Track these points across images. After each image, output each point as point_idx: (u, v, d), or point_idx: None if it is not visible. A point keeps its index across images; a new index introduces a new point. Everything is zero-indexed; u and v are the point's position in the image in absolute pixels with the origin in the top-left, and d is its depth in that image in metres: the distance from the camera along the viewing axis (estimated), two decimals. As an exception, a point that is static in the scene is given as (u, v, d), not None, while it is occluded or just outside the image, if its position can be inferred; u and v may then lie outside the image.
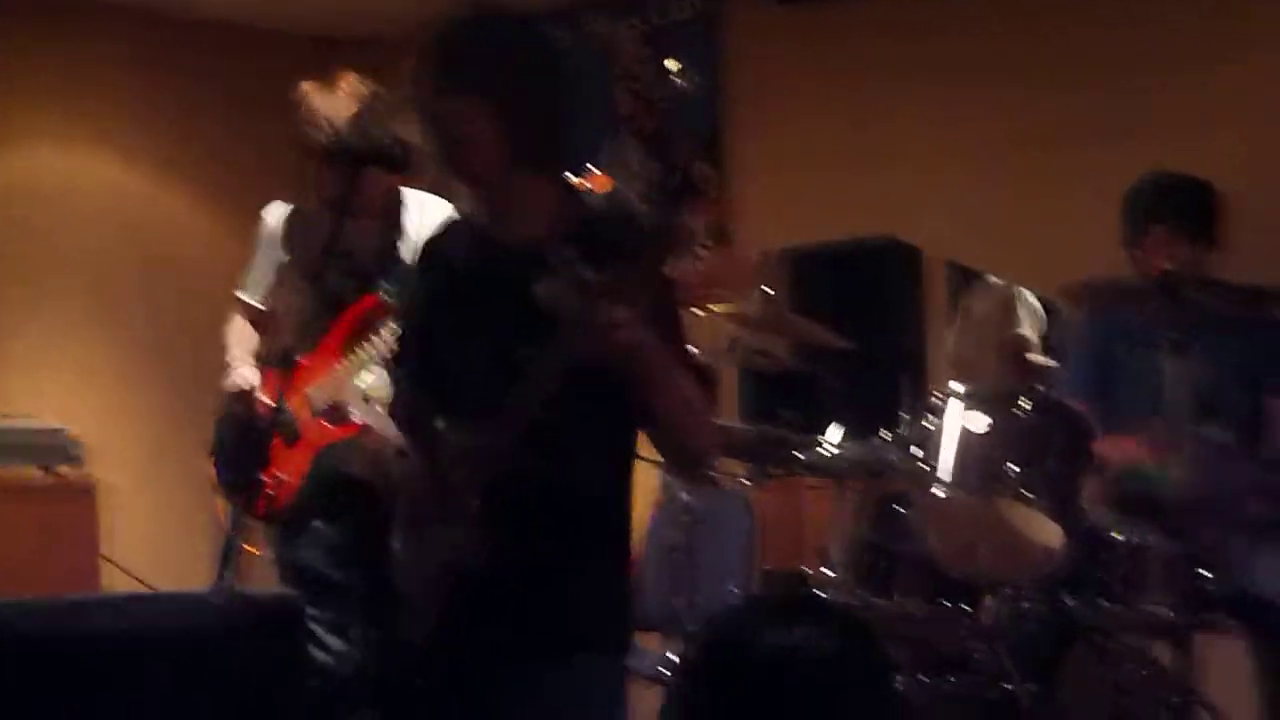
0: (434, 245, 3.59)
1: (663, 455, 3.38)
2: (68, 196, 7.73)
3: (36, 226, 7.63)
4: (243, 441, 4.87)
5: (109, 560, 6.81)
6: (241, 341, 5.06)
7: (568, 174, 3.57)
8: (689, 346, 3.35)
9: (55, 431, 6.89)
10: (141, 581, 6.53)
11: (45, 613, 4.63)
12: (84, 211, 7.69)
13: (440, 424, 3.37)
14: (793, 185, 7.27)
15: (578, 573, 3.26)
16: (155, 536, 6.09)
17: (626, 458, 3.37)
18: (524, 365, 3.09)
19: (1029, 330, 6.34)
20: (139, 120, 7.86)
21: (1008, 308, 6.23)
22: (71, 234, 7.64)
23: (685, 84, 7.37)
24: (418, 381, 3.53)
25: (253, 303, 5.10)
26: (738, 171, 7.48)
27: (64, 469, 6.83)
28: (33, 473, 6.81)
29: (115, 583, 6.79)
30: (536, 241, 3.19)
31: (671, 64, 7.39)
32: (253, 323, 5.14)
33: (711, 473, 5.35)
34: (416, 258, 3.62)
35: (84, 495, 6.85)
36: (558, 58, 3.37)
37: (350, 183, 3.45)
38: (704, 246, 7.49)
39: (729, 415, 6.98)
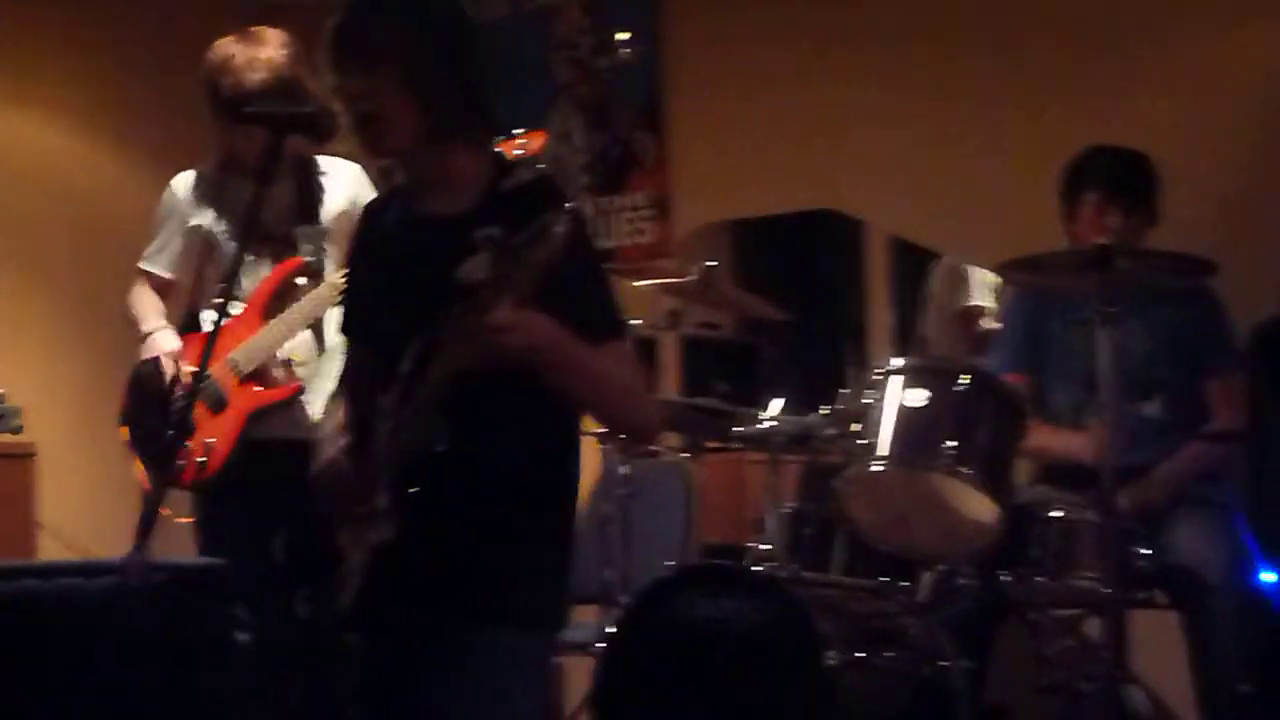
0: (370, 211, 3.65)
1: (605, 430, 3.41)
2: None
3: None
4: (163, 409, 4.84)
5: (44, 526, 6.79)
6: (152, 309, 5.02)
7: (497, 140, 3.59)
8: (620, 317, 3.35)
9: (-9, 398, 6.87)
10: (74, 548, 6.52)
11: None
12: (9, 172, 7.64)
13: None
14: (734, 155, 7.25)
15: (496, 547, 3.27)
16: (90, 501, 6.06)
17: (556, 434, 3.36)
18: (424, 361, 3.13)
19: (981, 300, 6.39)
20: (66, 78, 7.79)
21: (958, 278, 6.23)
22: (8, 195, 7.62)
23: (629, 54, 7.43)
24: (360, 345, 3.56)
25: (159, 272, 5.06)
26: (678, 141, 7.43)
27: (2, 437, 6.80)
28: (-14, 444, 6.79)
29: (50, 549, 6.78)
30: (458, 217, 3.21)
31: (620, 35, 7.45)
32: (158, 291, 5.09)
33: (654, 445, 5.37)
34: (353, 222, 3.66)
35: (22, 460, 6.82)
36: (466, 24, 3.39)
37: (274, 149, 3.41)
38: (645, 218, 7.55)
39: (669, 387, 7.00)
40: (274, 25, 4.83)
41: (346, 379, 3.63)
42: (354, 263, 3.59)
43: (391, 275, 3.38)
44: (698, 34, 7.43)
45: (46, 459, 6.70)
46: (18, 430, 6.75)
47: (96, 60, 7.78)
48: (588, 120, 7.60)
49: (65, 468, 6.54)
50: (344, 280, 3.66)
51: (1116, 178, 5.15)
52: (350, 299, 3.58)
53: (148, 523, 3.11)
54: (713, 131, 7.39)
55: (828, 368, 5.01)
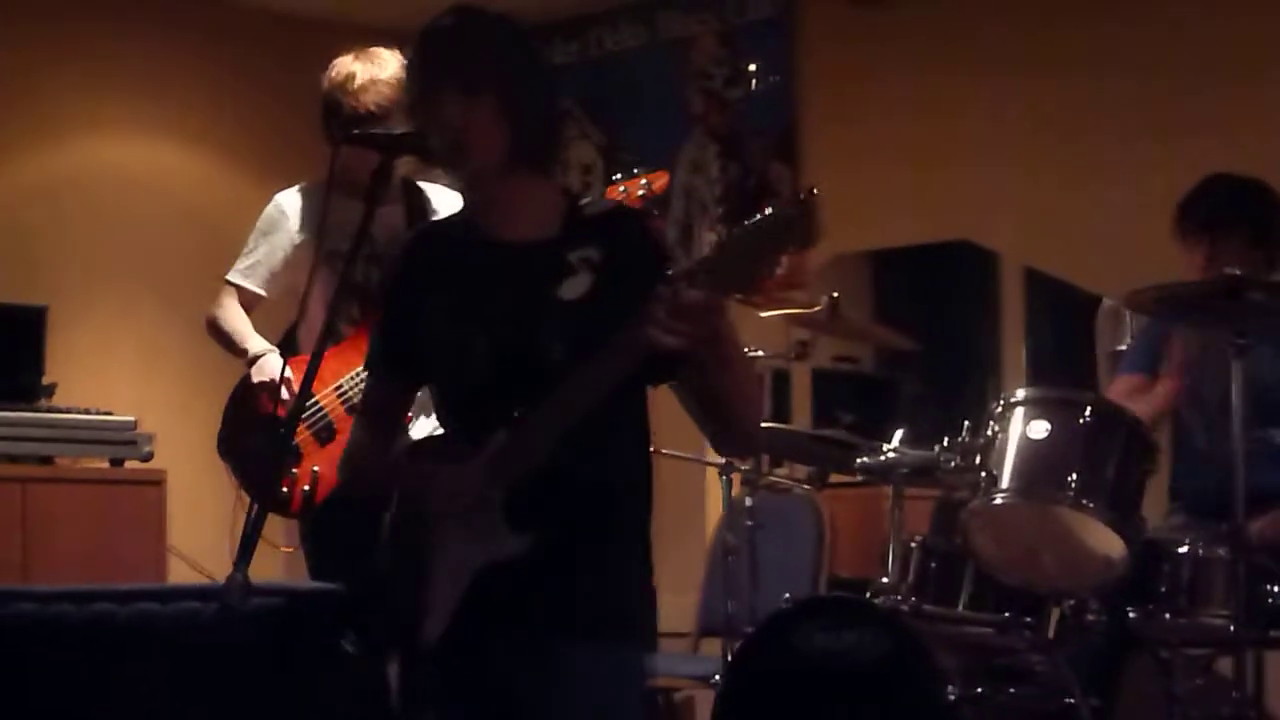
0: (417, 244, 3.63)
1: (715, 436, 3.39)
2: (124, 185, 7.76)
3: (94, 216, 7.67)
4: (270, 437, 4.85)
5: (173, 551, 6.86)
6: (250, 328, 5.03)
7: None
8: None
9: (125, 425, 6.93)
10: (203, 571, 6.59)
11: (60, 599, 4.68)
12: (141, 199, 7.73)
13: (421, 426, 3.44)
14: (868, 186, 7.24)
15: (605, 565, 3.28)
16: (218, 526, 6.09)
17: (643, 456, 3.37)
18: (563, 363, 3.11)
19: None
20: (196, 108, 7.89)
21: (1117, 320, 6.16)
22: (130, 222, 7.68)
23: (761, 84, 7.45)
24: (394, 378, 3.55)
25: (251, 287, 5.05)
26: (812, 172, 7.44)
27: (132, 462, 6.88)
28: (96, 464, 6.86)
29: (180, 573, 6.86)
30: (548, 242, 3.26)
31: (751, 66, 7.49)
32: (244, 306, 5.09)
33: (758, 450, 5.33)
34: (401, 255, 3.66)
35: (151, 486, 6.89)
36: (545, 61, 3.48)
37: (384, 170, 3.43)
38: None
39: (800, 418, 6.99)
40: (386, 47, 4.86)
41: (372, 415, 3.58)
42: (407, 295, 3.56)
43: (474, 300, 3.38)
44: (832, 65, 7.43)
45: (176, 485, 6.76)
46: (148, 458, 6.82)
47: (227, 94, 7.87)
48: (722, 151, 7.61)
49: (195, 494, 6.62)
50: (389, 314, 3.63)
51: (1246, 213, 5.11)
52: (398, 330, 3.52)
53: (247, 546, 3.12)
54: (847, 162, 7.37)
55: (961, 400, 4.97)
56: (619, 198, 4.71)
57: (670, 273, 2.95)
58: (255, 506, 3.18)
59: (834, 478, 5.88)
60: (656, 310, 2.89)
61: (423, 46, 3.30)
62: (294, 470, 4.88)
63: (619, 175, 4.70)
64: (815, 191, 2.97)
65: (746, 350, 3.34)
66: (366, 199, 3.43)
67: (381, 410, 3.57)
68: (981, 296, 7.10)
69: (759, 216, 2.89)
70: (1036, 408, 4.77)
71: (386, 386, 3.57)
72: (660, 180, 4.84)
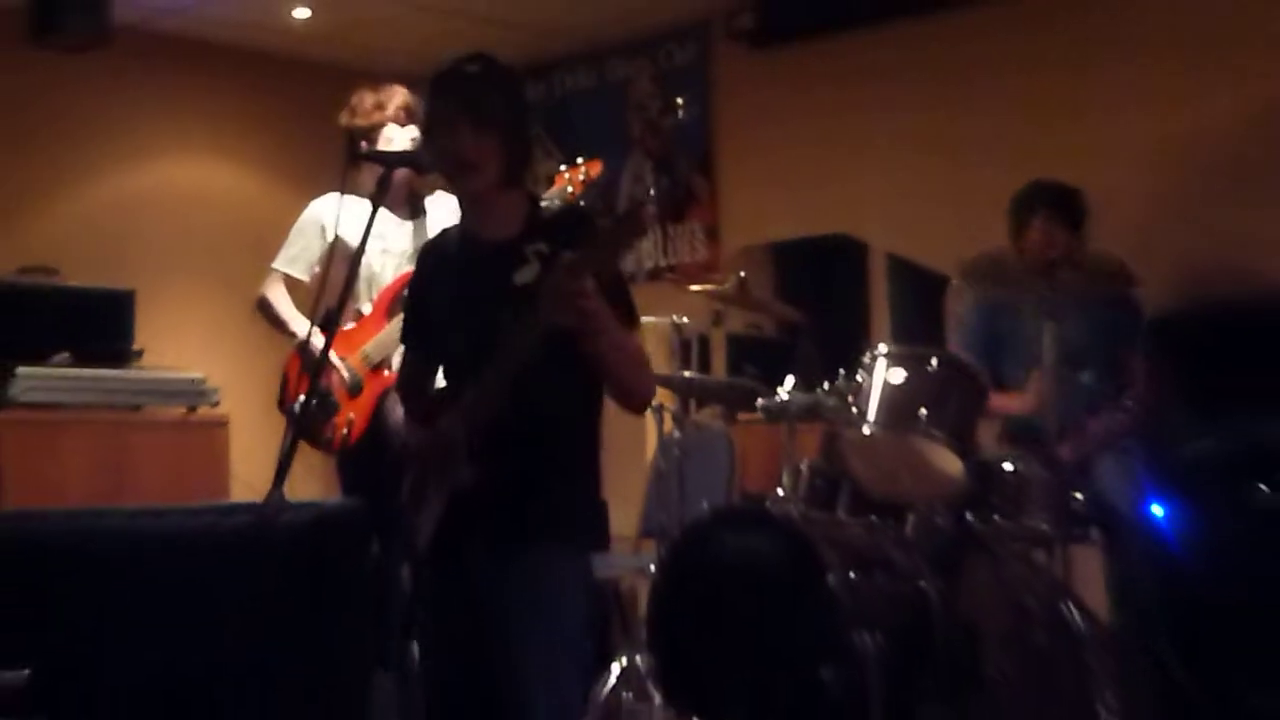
0: (430, 247, 3.69)
1: (614, 398, 3.39)
2: (191, 198, 7.78)
3: (168, 221, 7.67)
4: (312, 393, 4.87)
5: (237, 479, 6.83)
6: (295, 311, 5.01)
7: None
8: (637, 314, 3.36)
9: (197, 380, 6.90)
10: (258, 495, 6.61)
11: (143, 514, 4.64)
12: (204, 208, 7.75)
13: (440, 383, 3.50)
14: (769, 193, 7.31)
15: (551, 484, 3.30)
16: (270, 461, 6.05)
17: (591, 399, 3.38)
18: (504, 333, 3.15)
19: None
20: (246, 137, 7.91)
21: (960, 293, 6.17)
22: (199, 224, 7.70)
23: (685, 115, 7.45)
24: (418, 351, 3.60)
25: (295, 274, 5.02)
26: (725, 183, 7.48)
27: (204, 409, 6.87)
28: (175, 412, 6.83)
29: (240, 496, 6.85)
30: (511, 239, 3.31)
31: (678, 100, 7.48)
32: (290, 289, 5.08)
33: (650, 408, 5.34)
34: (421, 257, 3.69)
35: (218, 429, 6.87)
36: (526, 101, 3.49)
37: (383, 180, 3.42)
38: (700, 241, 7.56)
39: (716, 370, 6.99)
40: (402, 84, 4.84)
41: (409, 376, 3.66)
42: (422, 285, 3.59)
43: (460, 288, 3.39)
44: (741, 100, 7.49)
45: (237, 427, 6.74)
46: (216, 405, 6.81)
47: (270, 125, 7.84)
48: (655, 166, 7.59)
49: (251, 434, 6.56)
50: (412, 300, 3.66)
51: (1060, 206, 5.13)
52: (417, 314, 3.60)
53: (282, 471, 3.10)
54: (752, 174, 7.43)
55: (840, 358, 4.97)
56: (564, 180, 4.76)
57: (564, 258, 3.01)
58: (287, 439, 3.18)
59: (742, 416, 5.88)
60: (544, 295, 3.00)
61: (445, 85, 3.30)
62: (334, 419, 4.88)
63: (564, 165, 4.71)
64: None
65: (647, 320, 3.39)
66: (372, 201, 3.41)
67: (413, 371, 3.66)
68: (856, 277, 7.09)
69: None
70: (895, 360, 4.80)
71: (414, 354, 3.64)
72: (595, 167, 4.87)
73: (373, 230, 4.69)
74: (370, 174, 4.60)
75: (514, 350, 3.13)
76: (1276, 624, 2.90)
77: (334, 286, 4.77)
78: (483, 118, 3.23)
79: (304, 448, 5.06)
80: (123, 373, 6.77)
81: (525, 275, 3.23)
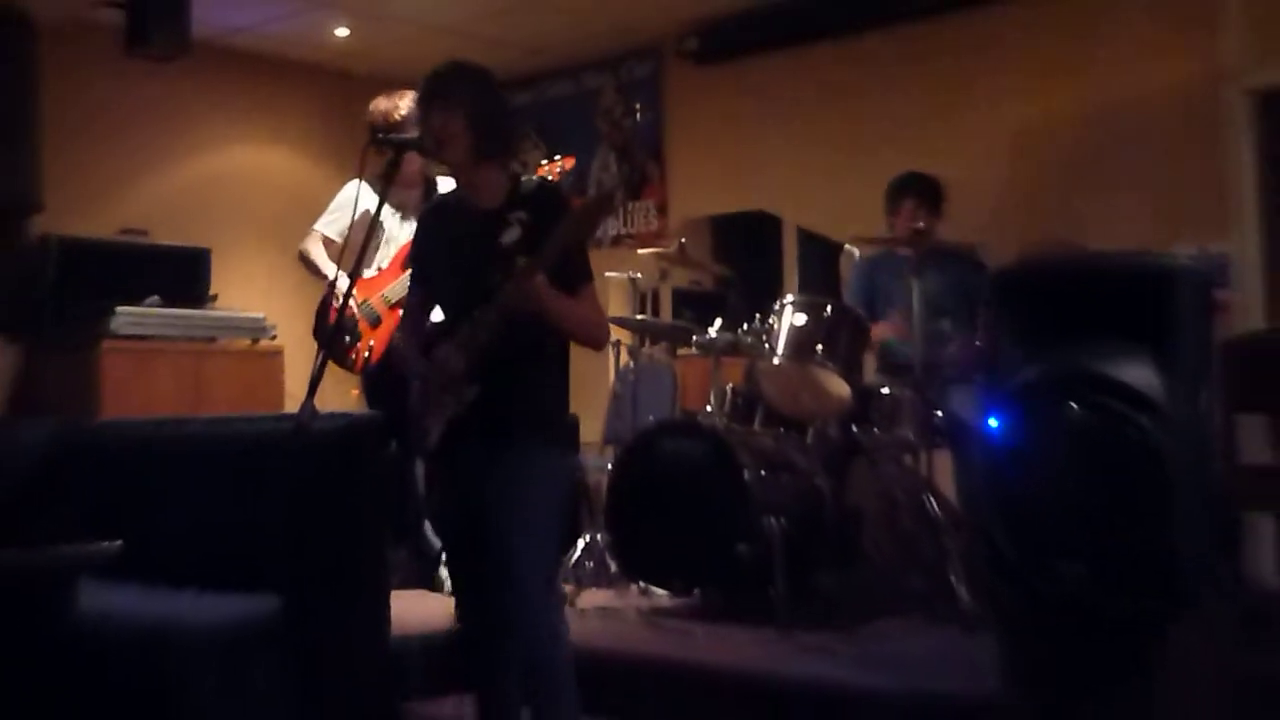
0: (429, 212, 3.67)
1: (574, 343, 3.45)
2: (254, 177, 7.73)
3: (238, 193, 7.62)
4: (341, 325, 4.85)
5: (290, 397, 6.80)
6: (330, 262, 4.99)
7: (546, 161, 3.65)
8: (590, 271, 3.37)
9: (259, 319, 6.88)
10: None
11: (217, 422, 4.63)
12: (263, 185, 7.70)
13: (435, 319, 3.48)
14: (706, 177, 7.30)
15: (530, 399, 3.33)
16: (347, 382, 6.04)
17: (559, 337, 3.39)
18: (495, 285, 3.19)
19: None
20: (298, 127, 7.84)
21: (850, 257, 6.16)
22: (260, 197, 7.63)
23: (642, 116, 7.39)
24: (418, 292, 3.57)
25: (331, 235, 5.02)
26: (673, 170, 7.46)
27: (264, 341, 6.86)
28: (242, 343, 6.81)
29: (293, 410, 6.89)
30: (497, 208, 3.31)
31: (636, 106, 7.41)
32: (325, 246, 5.04)
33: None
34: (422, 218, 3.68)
35: (275, 356, 6.85)
36: (502, 96, 3.41)
37: (393, 161, 3.40)
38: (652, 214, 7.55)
39: (664, 316, 6.99)
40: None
41: (410, 311, 3.60)
42: (424, 243, 3.57)
43: (454, 245, 3.40)
44: (686, 105, 7.45)
45: (289, 355, 6.74)
46: (273, 338, 6.79)
47: (312, 117, 7.79)
48: (619, 157, 7.55)
49: (301, 360, 6.50)
50: (415, 253, 3.64)
51: (923, 192, 5.14)
52: (420, 264, 3.57)
53: (313, 385, 3.08)
54: (694, 163, 7.40)
55: (759, 306, 4.98)
56: (545, 170, 4.75)
57: (518, 264, 3.15)
58: (319, 360, 3.15)
59: (682, 351, 5.89)
60: (506, 293, 3.14)
61: (426, 82, 3.30)
62: (357, 345, 4.86)
63: (545, 160, 4.69)
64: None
65: (609, 275, 3.45)
66: (384, 179, 3.41)
67: (414, 308, 3.59)
68: (773, 244, 7.09)
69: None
70: (798, 307, 4.81)
71: (416, 293, 3.58)
72: (569, 161, 4.87)
73: (393, 204, 4.72)
74: (383, 157, 4.61)
75: (501, 304, 3.17)
76: (1077, 509, 2.92)
77: (356, 247, 4.78)
78: (449, 103, 3.25)
79: (343, 375, 5.07)
80: (200, 312, 6.75)
81: (509, 237, 3.26)
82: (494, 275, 3.20)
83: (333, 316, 4.79)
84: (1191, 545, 2.83)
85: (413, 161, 4.66)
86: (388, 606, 4.10)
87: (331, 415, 3.97)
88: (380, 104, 4.80)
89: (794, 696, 3.66)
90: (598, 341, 3.47)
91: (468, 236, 3.35)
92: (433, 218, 3.59)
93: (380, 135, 3.46)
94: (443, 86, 3.29)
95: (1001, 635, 3.15)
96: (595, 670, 3.76)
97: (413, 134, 3.71)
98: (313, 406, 3.07)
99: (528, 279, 3.11)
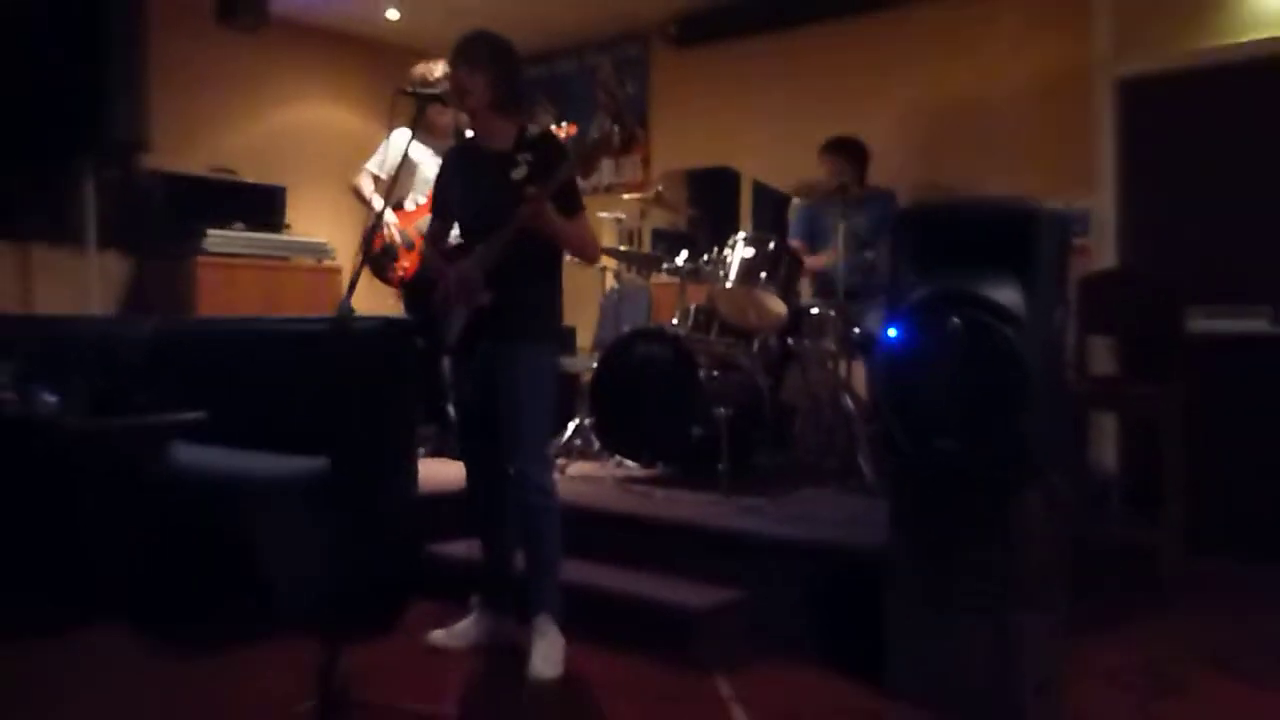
0: (450, 154, 3.63)
1: (572, 256, 3.42)
2: (322, 126, 7.57)
3: (308, 141, 7.48)
4: (382, 246, 4.81)
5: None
6: (377, 196, 4.94)
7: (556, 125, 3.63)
8: (582, 204, 3.37)
9: (322, 244, 6.83)
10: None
11: (275, 321, 4.62)
12: (329, 134, 7.55)
13: (454, 240, 3.43)
14: (684, 139, 7.18)
15: (531, 307, 3.32)
16: (372, 297, 5.96)
17: (554, 257, 3.38)
18: (500, 219, 3.20)
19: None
20: (359, 86, 7.67)
21: (794, 207, 6.09)
22: (324, 145, 7.49)
23: (632, 89, 7.24)
24: (439, 219, 3.54)
25: (378, 173, 4.97)
26: (656, 132, 7.35)
27: (326, 261, 6.80)
28: (309, 262, 6.76)
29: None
30: (507, 151, 3.31)
31: (627, 84, 7.26)
32: (377, 185, 4.97)
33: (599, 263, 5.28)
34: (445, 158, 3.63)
35: (334, 273, 6.81)
36: (517, 60, 3.37)
37: (419, 111, 3.36)
38: (638, 167, 7.45)
39: (643, 248, 6.94)
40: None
41: (432, 237, 3.56)
42: (446, 177, 3.52)
43: (471, 180, 3.37)
44: (668, 80, 7.30)
45: (346, 274, 6.61)
46: (333, 259, 6.76)
47: (369, 78, 7.66)
48: (613, 121, 7.44)
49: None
50: (438, 185, 3.58)
51: (847, 151, 5.09)
52: (442, 195, 3.53)
53: (351, 288, 3.05)
54: (675, 129, 7.28)
55: (719, 241, 4.93)
56: (556, 132, 4.68)
57: (529, 191, 3.14)
58: (357, 266, 3.10)
59: (656, 277, 5.84)
60: (519, 213, 3.14)
61: (457, 44, 3.30)
62: (394, 264, 4.82)
63: (554, 124, 4.62)
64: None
65: (600, 216, 3.47)
66: (412, 124, 3.38)
67: (435, 234, 3.55)
68: (732, 193, 6.98)
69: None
70: (749, 242, 4.78)
71: (436, 223, 3.56)
72: (573, 128, 4.78)
73: (428, 149, 4.63)
74: (433, 112, 4.55)
75: (516, 222, 3.17)
76: (953, 399, 2.91)
77: (399, 185, 4.72)
78: (473, 62, 3.26)
79: (386, 289, 5.04)
80: (275, 236, 6.70)
81: (518, 174, 3.25)
82: (506, 204, 3.19)
83: (377, 242, 4.77)
84: (1041, 430, 2.85)
85: (445, 115, 4.60)
86: (415, 468, 4.13)
87: (371, 317, 3.97)
88: (419, 68, 4.73)
89: (730, 541, 3.70)
90: (590, 257, 3.48)
91: (483, 173, 3.33)
92: (452, 159, 3.55)
93: (405, 89, 3.40)
94: (470, 48, 3.28)
95: (892, 499, 3.16)
96: (580, 521, 3.79)
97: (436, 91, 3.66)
98: (349, 305, 3.04)
99: (539, 202, 3.12)
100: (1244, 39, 5.02)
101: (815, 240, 5.20)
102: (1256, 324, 4.73)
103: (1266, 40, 4.96)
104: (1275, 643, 3.60)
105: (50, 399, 4.46)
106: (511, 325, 3.27)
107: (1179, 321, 4.50)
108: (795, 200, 5.65)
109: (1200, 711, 3.02)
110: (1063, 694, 3.07)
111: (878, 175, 5.25)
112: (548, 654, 3.23)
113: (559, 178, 3.16)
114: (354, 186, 5.03)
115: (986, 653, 2.93)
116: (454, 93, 3.28)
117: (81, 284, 6.28)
